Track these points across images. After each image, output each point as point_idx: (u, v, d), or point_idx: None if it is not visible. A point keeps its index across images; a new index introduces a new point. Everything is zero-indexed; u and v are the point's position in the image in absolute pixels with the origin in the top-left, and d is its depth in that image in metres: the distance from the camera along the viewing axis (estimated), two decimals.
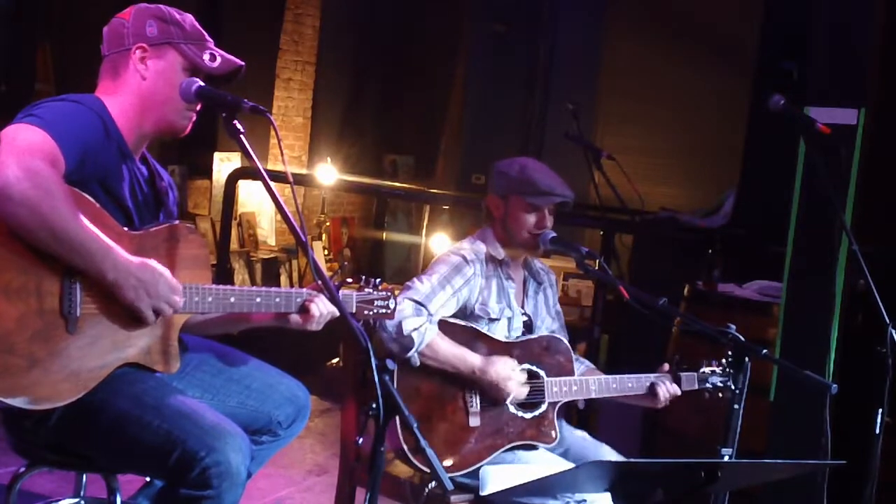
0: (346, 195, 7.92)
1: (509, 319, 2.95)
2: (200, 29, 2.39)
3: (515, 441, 2.83)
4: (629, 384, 2.94)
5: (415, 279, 2.87)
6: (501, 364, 2.79)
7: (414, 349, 2.73)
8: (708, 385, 2.96)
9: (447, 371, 2.77)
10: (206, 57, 2.34)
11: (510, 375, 2.79)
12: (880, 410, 2.88)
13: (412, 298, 2.78)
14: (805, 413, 3.18)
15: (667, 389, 2.93)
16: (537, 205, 2.92)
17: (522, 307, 3.03)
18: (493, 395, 2.79)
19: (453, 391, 2.79)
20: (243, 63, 2.39)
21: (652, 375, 2.96)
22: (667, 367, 2.99)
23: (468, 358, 2.78)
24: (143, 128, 2.36)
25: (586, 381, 2.91)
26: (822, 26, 3.54)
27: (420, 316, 2.76)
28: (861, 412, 2.99)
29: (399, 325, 2.70)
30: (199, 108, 2.40)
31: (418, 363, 2.76)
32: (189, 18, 2.39)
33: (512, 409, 2.83)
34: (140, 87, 2.33)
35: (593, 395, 2.93)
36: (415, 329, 2.72)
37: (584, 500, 2.62)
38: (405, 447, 2.70)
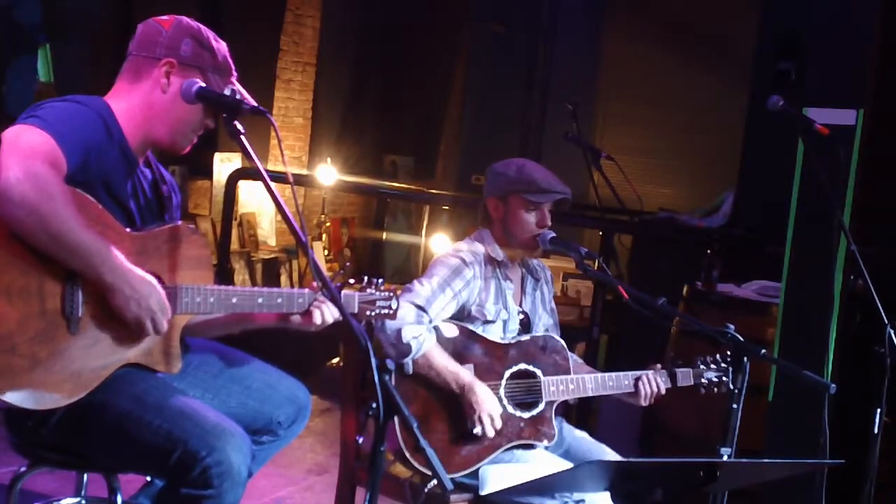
0: (347, 195, 7.92)
1: (505, 322, 2.95)
2: (230, 62, 2.40)
3: (514, 441, 2.83)
4: (625, 381, 2.93)
5: (415, 281, 2.87)
6: (482, 396, 2.75)
7: (411, 356, 2.73)
8: (703, 380, 2.95)
9: (437, 381, 2.78)
10: (227, 91, 2.33)
11: (488, 410, 2.75)
12: (879, 410, 2.88)
13: (413, 302, 2.78)
14: (804, 413, 3.18)
15: (648, 384, 2.91)
16: (538, 203, 2.92)
17: (520, 305, 3.03)
18: (467, 417, 2.76)
19: (453, 394, 2.79)
20: (254, 103, 2.36)
21: (648, 372, 2.94)
22: (659, 365, 2.97)
23: (460, 375, 2.77)
24: (147, 136, 2.36)
25: (583, 380, 2.90)
26: (821, 27, 3.55)
27: (421, 324, 2.76)
28: (859, 412, 3.00)
29: (399, 332, 2.71)
30: (202, 132, 2.41)
31: (411, 371, 2.76)
32: (223, 49, 2.39)
33: (510, 408, 2.83)
34: (157, 98, 2.33)
35: (590, 394, 2.93)
36: (414, 337, 2.73)
37: (583, 500, 2.62)
38: (404, 448, 2.70)
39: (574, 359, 3.10)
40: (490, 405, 2.76)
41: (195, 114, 2.35)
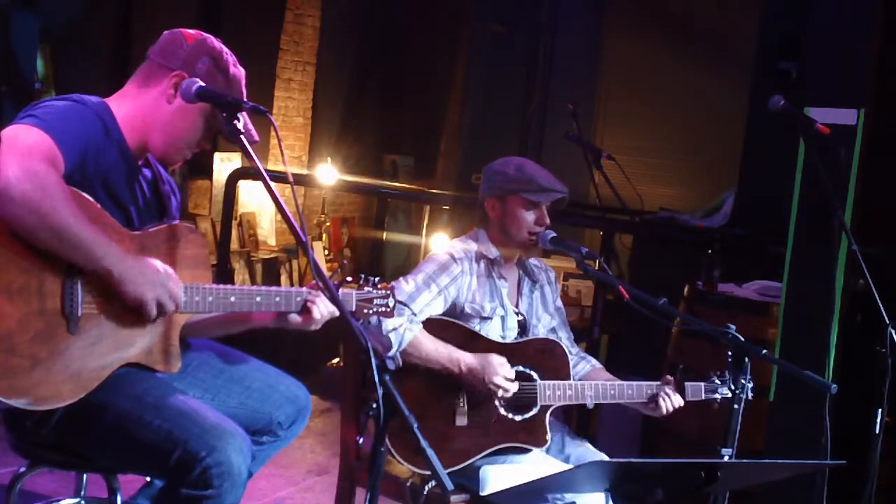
0: (347, 195, 7.91)
1: (502, 318, 2.94)
2: (243, 91, 2.39)
3: (504, 442, 2.80)
4: (628, 391, 2.89)
5: (401, 278, 2.86)
6: (493, 360, 2.76)
7: (393, 350, 2.72)
8: (717, 396, 2.92)
9: (433, 369, 2.76)
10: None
11: (499, 372, 2.75)
12: (880, 410, 2.88)
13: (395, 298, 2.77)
14: (805, 413, 3.17)
15: (670, 402, 2.87)
16: (537, 202, 2.91)
17: (517, 306, 3.02)
18: (481, 392, 2.75)
19: (441, 390, 2.78)
20: (258, 140, 2.34)
21: (654, 384, 2.90)
22: (671, 379, 2.93)
23: (454, 354, 2.76)
24: (143, 141, 2.36)
25: (582, 387, 2.86)
26: (821, 27, 3.54)
27: (400, 316, 2.75)
28: (861, 412, 2.99)
29: (378, 325, 2.70)
30: (197, 150, 2.41)
31: (400, 363, 2.74)
32: (240, 75, 2.39)
33: (502, 410, 2.81)
34: (161, 107, 2.33)
35: (589, 401, 2.89)
36: (393, 329, 2.71)
37: (574, 502, 2.61)
38: (394, 453, 2.68)
39: (594, 364, 3.07)
40: (500, 365, 2.75)
41: (194, 131, 2.36)
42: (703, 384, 2.93)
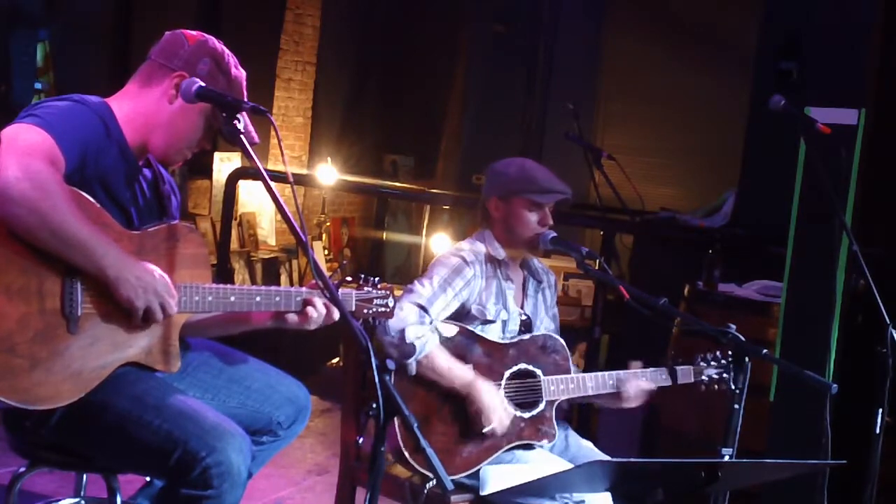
0: (347, 195, 7.91)
1: (504, 322, 2.94)
2: (244, 91, 2.39)
3: (515, 441, 2.83)
4: (622, 377, 2.92)
5: (416, 282, 2.86)
6: (488, 393, 2.76)
7: (414, 357, 2.72)
8: (703, 378, 2.96)
9: (441, 382, 2.77)
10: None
11: (495, 406, 2.76)
12: (880, 410, 2.88)
13: (415, 303, 2.77)
14: (805, 413, 3.18)
15: (636, 384, 2.91)
16: (541, 202, 2.92)
17: (522, 307, 3.03)
18: (475, 420, 2.76)
19: (455, 394, 2.79)
20: (258, 141, 2.33)
21: (649, 371, 2.95)
22: (638, 363, 2.97)
23: (463, 376, 2.76)
24: (144, 141, 2.36)
25: (583, 379, 2.91)
26: (821, 27, 3.54)
27: (423, 324, 2.75)
28: (861, 412, 2.99)
29: (402, 332, 2.70)
30: (197, 150, 2.41)
31: (414, 372, 2.75)
32: (241, 77, 2.40)
33: (510, 408, 2.82)
34: (162, 108, 2.33)
35: (590, 392, 2.92)
36: (418, 338, 2.72)
37: (583, 500, 2.62)
38: (404, 449, 2.69)
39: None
40: (497, 403, 2.76)
41: (194, 131, 2.36)
42: (691, 367, 2.98)
